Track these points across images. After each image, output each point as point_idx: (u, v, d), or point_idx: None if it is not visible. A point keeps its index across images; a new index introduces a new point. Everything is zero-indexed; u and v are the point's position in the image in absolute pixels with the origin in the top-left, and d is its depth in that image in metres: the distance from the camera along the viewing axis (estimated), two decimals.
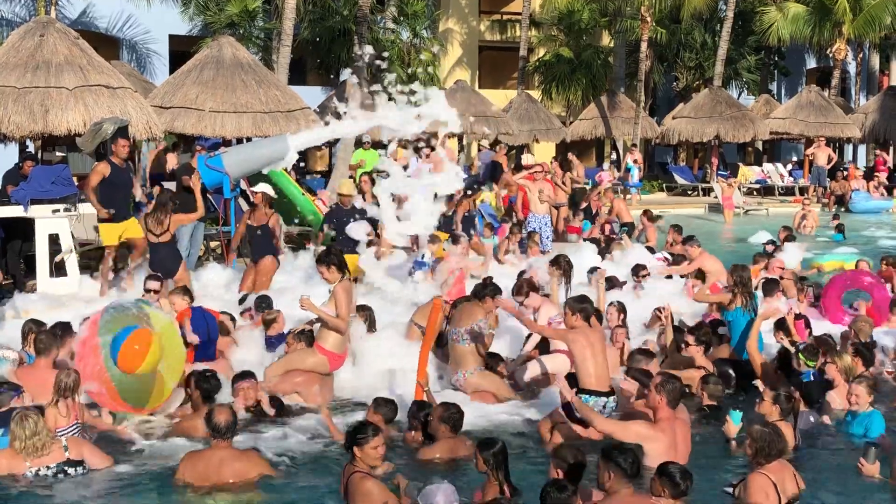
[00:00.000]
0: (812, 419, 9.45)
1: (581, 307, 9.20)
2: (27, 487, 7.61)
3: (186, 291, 11.42)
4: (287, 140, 14.70)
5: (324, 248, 15.06)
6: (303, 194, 18.42)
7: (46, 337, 9.80)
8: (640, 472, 6.57)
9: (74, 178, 15.46)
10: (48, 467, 7.69)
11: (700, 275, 14.65)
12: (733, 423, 8.64)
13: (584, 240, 19.50)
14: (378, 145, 17.31)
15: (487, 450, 7.19)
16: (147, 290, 12.07)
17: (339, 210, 15.44)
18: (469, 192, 17.65)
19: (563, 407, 8.86)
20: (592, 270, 14.24)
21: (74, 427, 8.39)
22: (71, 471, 7.81)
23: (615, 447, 6.65)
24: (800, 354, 10.19)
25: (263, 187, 14.56)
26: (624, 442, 7.59)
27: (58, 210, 14.39)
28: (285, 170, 16.33)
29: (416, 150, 18.01)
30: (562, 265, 12.53)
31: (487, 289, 10.98)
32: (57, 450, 7.81)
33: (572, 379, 8.97)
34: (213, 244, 17.57)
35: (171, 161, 17.15)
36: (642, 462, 7.07)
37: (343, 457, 7.88)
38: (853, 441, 9.09)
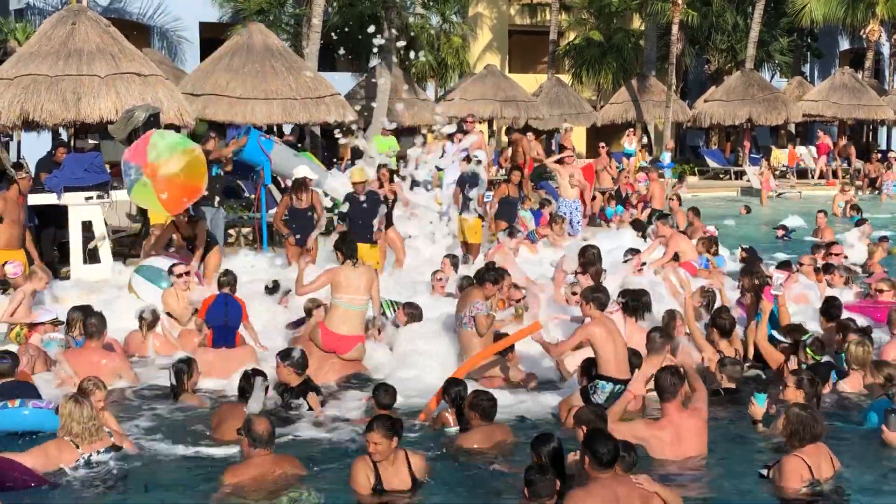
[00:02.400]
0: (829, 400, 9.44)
1: (595, 296, 9.28)
2: (88, 473, 7.53)
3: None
4: (327, 178, 16.45)
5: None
6: None
7: (98, 321, 10.31)
8: (615, 462, 6.46)
9: (107, 166, 15.55)
10: (98, 452, 7.67)
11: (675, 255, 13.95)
12: (758, 404, 8.62)
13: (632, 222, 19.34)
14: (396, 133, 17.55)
15: (542, 446, 7.12)
16: (177, 275, 12.12)
17: (353, 198, 14.91)
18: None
19: (580, 391, 9.01)
20: (633, 252, 13.76)
21: None
22: (116, 454, 7.79)
23: (596, 436, 6.61)
24: (808, 349, 10.07)
25: (304, 171, 14.38)
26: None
27: (91, 197, 14.49)
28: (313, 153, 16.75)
29: (449, 137, 18.02)
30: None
31: (489, 273, 10.72)
32: (105, 434, 7.83)
33: (592, 364, 9.05)
34: (244, 230, 17.62)
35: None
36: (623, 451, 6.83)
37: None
38: (867, 422, 8.94)
